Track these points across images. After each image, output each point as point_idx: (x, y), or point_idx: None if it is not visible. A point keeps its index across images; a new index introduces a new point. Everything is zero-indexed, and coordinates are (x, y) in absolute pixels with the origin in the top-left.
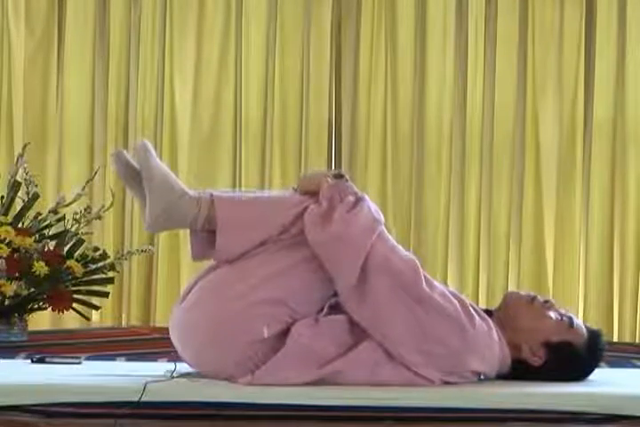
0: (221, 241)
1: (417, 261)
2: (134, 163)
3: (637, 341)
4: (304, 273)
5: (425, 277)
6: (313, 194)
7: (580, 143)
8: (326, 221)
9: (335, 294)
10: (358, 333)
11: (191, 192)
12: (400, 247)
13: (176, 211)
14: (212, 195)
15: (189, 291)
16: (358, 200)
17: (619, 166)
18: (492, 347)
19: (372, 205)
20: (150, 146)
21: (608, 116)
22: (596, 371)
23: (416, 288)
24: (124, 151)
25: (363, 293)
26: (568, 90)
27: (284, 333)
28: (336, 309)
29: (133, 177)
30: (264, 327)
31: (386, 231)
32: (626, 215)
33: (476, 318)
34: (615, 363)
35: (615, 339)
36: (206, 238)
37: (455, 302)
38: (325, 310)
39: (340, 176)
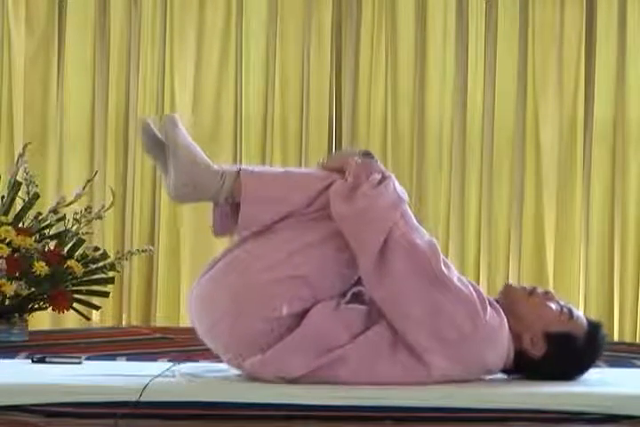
0: (245, 211)
1: (437, 243)
2: (160, 135)
3: (637, 341)
4: (328, 251)
5: (443, 259)
6: (339, 171)
7: (580, 143)
8: (351, 196)
9: (359, 282)
10: (374, 323)
11: (216, 166)
12: (421, 228)
13: (200, 183)
14: (238, 167)
15: (214, 265)
16: (384, 178)
17: (619, 166)
18: (503, 336)
19: (397, 184)
20: (178, 119)
21: (608, 116)
22: (596, 371)
23: (434, 268)
24: (151, 123)
25: (382, 269)
26: (568, 90)
27: (302, 314)
28: (359, 298)
29: (159, 149)
30: (284, 304)
31: (409, 211)
32: (626, 215)
33: (489, 308)
34: (615, 363)
35: (615, 339)
36: (229, 213)
37: (471, 287)
38: (348, 297)
39: (367, 155)
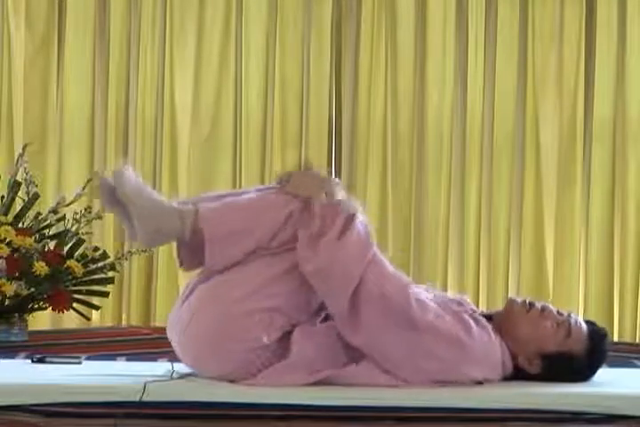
0: (211, 255)
1: (407, 284)
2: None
3: (637, 341)
4: (297, 280)
5: (416, 299)
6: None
7: (580, 143)
8: (315, 249)
9: None
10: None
11: (174, 205)
12: (390, 269)
13: (164, 227)
14: (195, 206)
15: (187, 295)
16: (348, 223)
17: (619, 166)
18: (492, 356)
19: (362, 225)
20: (125, 172)
21: (608, 116)
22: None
23: (408, 314)
24: (108, 179)
25: (355, 321)
26: (568, 90)
27: (284, 337)
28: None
29: (117, 202)
30: (263, 335)
31: (377, 253)
32: (626, 215)
33: (474, 329)
34: (615, 363)
35: (615, 339)
36: (195, 249)
37: (449, 318)
38: (323, 315)
39: (334, 182)
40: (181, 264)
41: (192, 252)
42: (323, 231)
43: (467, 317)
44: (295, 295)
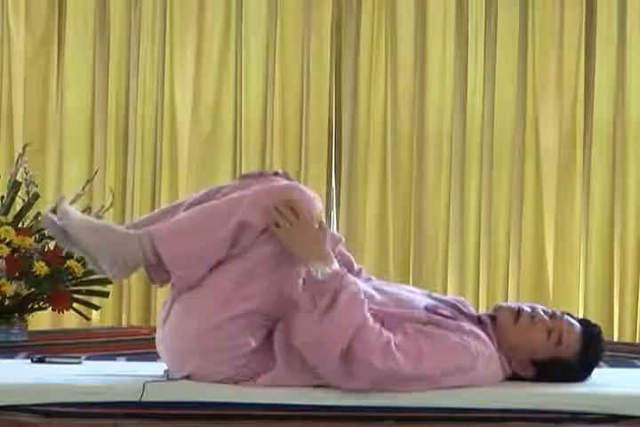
0: (175, 276)
1: (390, 342)
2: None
3: (637, 341)
4: (264, 276)
5: (405, 353)
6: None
7: (580, 144)
8: (301, 324)
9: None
10: None
11: (127, 232)
12: (372, 329)
13: (126, 255)
14: (148, 228)
15: (168, 311)
16: (334, 299)
17: (619, 167)
18: (493, 368)
19: (347, 294)
20: (67, 209)
21: (608, 117)
22: (596, 371)
23: (401, 375)
24: (50, 215)
25: (345, 380)
26: (568, 91)
27: (267, 336)
28: None
29: (72, 239)
30: (250, 339)
31: (362, 323)
32: (626, 216)
33: (472, 349)
34: (615, 363)
35: (615, 339)
36: (160, 266)
37: (444, 351)
38: None
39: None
40: (152, 281)
41: (158, 269)
42: (308, 309)
43: (457, 337)
44: (267, 293)
